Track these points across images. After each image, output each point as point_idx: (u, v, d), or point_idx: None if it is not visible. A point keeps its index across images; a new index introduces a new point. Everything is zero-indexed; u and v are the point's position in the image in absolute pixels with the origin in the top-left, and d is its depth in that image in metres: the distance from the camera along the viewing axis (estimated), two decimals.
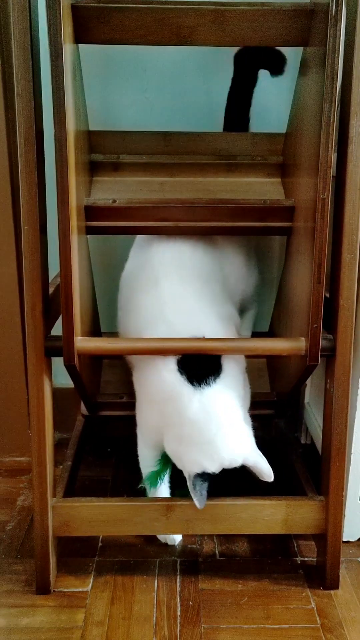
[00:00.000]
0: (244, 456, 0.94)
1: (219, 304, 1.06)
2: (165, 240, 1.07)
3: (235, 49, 1.12)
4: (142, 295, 1.05)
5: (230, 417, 0.96)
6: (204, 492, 0.93)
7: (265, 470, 0.95)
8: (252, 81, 1.15)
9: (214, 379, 0.96)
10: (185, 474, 0.96)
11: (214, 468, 0.93)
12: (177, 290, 1.03)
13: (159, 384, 0.98)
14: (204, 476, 0.94)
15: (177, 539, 1.13)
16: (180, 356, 0.97)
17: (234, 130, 1.17)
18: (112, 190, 1.06)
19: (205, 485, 0.94)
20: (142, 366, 1.03)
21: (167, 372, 0.97)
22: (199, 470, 0.94)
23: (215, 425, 0.94)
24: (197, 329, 0.98)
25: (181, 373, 0.96)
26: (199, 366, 0.96)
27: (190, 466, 0.95)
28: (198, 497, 0.93)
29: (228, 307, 1.09)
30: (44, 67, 0.86)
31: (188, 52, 1.27)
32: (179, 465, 0.98)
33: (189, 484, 0.95)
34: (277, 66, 1.10)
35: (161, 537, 1.13)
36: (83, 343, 0.94)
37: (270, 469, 0.95)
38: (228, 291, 1.12)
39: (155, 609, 0.99)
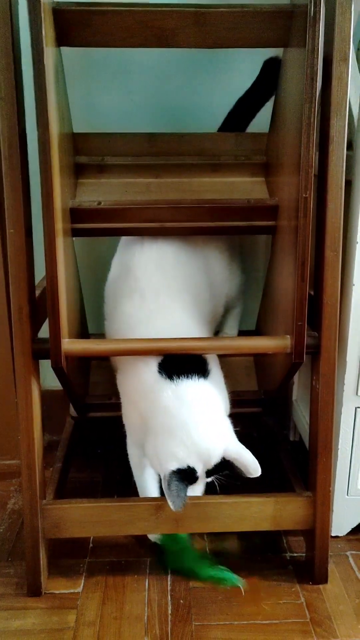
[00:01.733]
0: (223, 446, 0.91)
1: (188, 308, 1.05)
2: (147, 250, 1.07)
3: (267, 55, 1.07)
4: (124, 306, 1.05)
5: (208, 406, 0.93)
6: (182, 494, 0.87)
7: (250, 462, 0.90)
8: (271, 92, 1.10)
9: (195, 376, 0.95)
10: (162, 475, 0.91)
11: (190, 460, 0.90)
12: (160, 302, 1.03)
13: (139, 384, 0.99)
14: (182, 475, 0.89)
15: None
16: (161, 358, 0.97)
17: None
18: (97, 192, 1.06)
19: (183, 486, 0.89)
20: (125, 369, 1.04)
21: (147, 373, 0.97)
22: (174, 465, 0.90)
23: (188, 411, 0.91)
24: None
25: (161, 373, 0.95)
26: (179, 365, 0.95)
27: (165, 461, 0.90)
28: (173, 497, 0.86)
29: (201, 308, 1.09)
30: (26, 70, 0.86)
31: (172, 53, 1.28)
32: (157, 469, 0.95)
33: (164, 483, 0.89)
34: None
35: (152, 537, 1.13)
36: (70, 345, 0.94)
37: (257, 463, 0.91)
38: (210, 291, 1.12)
39: (146, 608, 0.99)
